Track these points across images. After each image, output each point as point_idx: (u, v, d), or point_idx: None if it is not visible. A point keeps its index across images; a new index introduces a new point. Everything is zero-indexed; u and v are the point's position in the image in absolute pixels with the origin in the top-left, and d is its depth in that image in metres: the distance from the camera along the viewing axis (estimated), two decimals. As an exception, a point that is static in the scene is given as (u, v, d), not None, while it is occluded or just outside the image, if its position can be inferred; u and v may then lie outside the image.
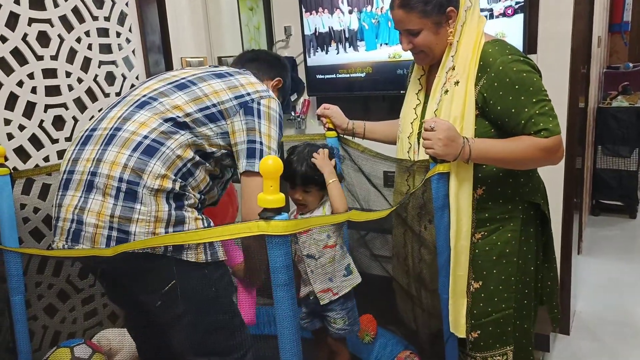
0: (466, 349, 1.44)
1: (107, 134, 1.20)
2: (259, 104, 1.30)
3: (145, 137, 1.17)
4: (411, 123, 1.46)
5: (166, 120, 1.20)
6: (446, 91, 1.34)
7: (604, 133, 3.68)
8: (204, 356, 1.24)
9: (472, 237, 1.36)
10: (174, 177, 1.18)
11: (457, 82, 1.31)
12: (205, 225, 1.24)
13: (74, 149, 1.24)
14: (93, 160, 1.17)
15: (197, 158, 1.24)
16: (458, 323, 1.38)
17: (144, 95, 1.26)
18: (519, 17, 1.90)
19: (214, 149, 1.27)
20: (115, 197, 1.13)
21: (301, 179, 1.54)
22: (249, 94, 1.30)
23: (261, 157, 1.25)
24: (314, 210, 1.57)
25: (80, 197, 1.16)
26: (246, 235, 0.88)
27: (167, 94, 1.25)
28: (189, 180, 1.22)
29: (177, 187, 1.18)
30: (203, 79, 1.30)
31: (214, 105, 1.26)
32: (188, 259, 1.15)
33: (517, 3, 1.90)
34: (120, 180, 1.13)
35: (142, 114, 1.21)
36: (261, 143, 1.28)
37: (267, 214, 0.85)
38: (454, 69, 1.33)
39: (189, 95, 1.25)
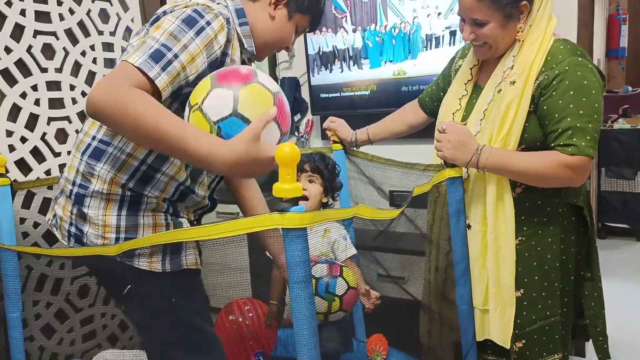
0: None
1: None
2: (165, 12, 1.06)
3: (94, 137, 1.09)
4: (453, 113, 1.39)
5: None
6: (499, 90, 1.26)
7: (606, 155, 3.67)
8: None
9: None
10: (123, 182, 1.08)
11: (513, 82, 1.24)
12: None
13: None
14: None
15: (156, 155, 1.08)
16: (505, 334, 1.30)
17: None
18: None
19: None
20: (70, 198, 1.12)
21: (310, 164, 1.56)
22: (164, 12, 1.08)
23: (152, 55, 0.95)
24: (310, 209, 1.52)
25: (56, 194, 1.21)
26: (260, 230, 0.84)
27: None
28: (146, 187, 1.10)
29: (127, 194, 1.09)
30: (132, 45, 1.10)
31: None
32: (140, 266, 1.08)
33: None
34: (73, 184, 1.12)
35: None
36: (161, 43, 0.97)
37: (284, 204, 0.81)
38: (512, 68, 1.25)
39: None
